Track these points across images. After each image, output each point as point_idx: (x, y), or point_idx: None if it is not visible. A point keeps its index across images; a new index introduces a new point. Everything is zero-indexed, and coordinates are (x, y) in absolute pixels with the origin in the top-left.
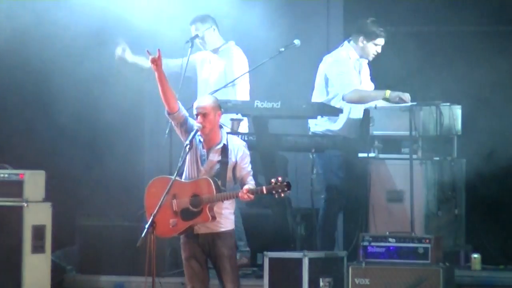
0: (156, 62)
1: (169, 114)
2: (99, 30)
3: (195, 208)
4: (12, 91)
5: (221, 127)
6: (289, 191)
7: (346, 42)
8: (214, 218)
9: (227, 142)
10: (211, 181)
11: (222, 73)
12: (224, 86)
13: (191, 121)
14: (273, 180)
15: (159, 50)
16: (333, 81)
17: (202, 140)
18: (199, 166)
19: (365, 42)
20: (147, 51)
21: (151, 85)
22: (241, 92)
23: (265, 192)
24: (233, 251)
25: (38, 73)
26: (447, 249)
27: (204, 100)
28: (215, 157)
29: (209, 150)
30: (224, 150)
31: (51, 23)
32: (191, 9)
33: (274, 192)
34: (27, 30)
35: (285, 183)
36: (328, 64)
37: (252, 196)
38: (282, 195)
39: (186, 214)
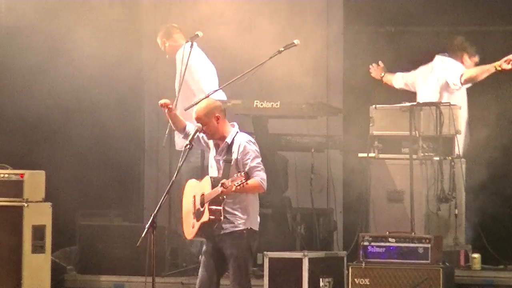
0: (167, 106)
1: (183, 137)
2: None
3: (202, 207)
4: (12, 91)
5: (233, 125)
6: (247, 180)
7: (444, 57)
8: (217, 216)
9: (232, 140)
10: (210, 179)
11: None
12: (224, 86)
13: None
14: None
15: (167, 103)
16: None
17: (213, 141)
18: (214, 166)
19: (469, 59)
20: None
21: (151, 85)
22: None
23: (229, 183)
24: (243, 252)
25: (39, 74)
26: (447, 249)
27: (197, 109)
28: (221, 156)
29: (217, 150)
30: (228, 148)
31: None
32: (193, 12)
33: (236, 183)
34: (26, 31)
35: (242, 174)
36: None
37: (225, 190)
38: (242, 185)
39: (198, 214)
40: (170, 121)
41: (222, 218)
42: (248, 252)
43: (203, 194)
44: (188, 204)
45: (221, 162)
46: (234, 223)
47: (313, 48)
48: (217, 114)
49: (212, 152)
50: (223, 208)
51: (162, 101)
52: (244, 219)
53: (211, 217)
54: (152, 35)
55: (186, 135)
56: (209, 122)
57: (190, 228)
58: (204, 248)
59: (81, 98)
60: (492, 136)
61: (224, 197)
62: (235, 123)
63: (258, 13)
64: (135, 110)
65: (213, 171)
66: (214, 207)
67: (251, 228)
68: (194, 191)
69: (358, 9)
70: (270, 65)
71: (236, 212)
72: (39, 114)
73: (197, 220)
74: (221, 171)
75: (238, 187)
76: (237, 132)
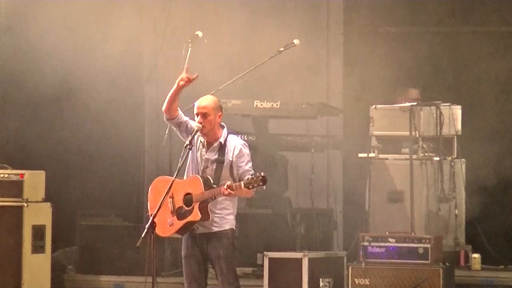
0: (189, 81)
1: (168, 119)
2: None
3: (188, 206)
4: (13, 91)
5: (223, 127)
6: (265, 184)
7: None
8: (205, 216)
9: (225, 141)
10: (201, 179)
11: None
12: (224, 86)
13: (192, 122)
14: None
15: (197, 75)
16: None
17: (202, 139)
18: (198, 165)
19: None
20: (186, 68)
21: (151, 85)
22: None
23: (242, 186)
24: (230, 252)
25: (38, 73)
26: (447, 249)
27: (204, 101)
28: (212, 155)
29: (208, 149)
30: (221, 148)
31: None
32: (192, 12)
33: (250, 186)
34: (23, 31)
35: (260, 177)
36: None
37: (232, 192)
38: (259, 188)
39: (180, 213)
40: (170, 95)
41: (210, 216)
42: (233, 251)
43: (188, 193)
44: (158, 200)
45: (210, 161)
46: (219, 223)
47: (313, 48)
48: (220, 112)
49: (200, 150)
50: (210, 208)
51: (187, 76)
52: (229, 220)
53: (202, 216)
54: (152, 34)
55: (176, 123)
56: (214, 115)
57: (165, 226)
58: (184, 252)
59: (81, 98)
60: (492, 137)
61: (213, 197)
62: (223, 124)
63: (258, 13)
64: (135, 110)
65: (195, 169)
66: (203, 207)
67: (232, 227)
68: (173, 189)
69: (358, 9)
70: (270, 65)
71: (222, 213)
72: (38, 114)
73: (180, 219)
74: (207, 169)
75: (253, 189)
76: (228, 133)
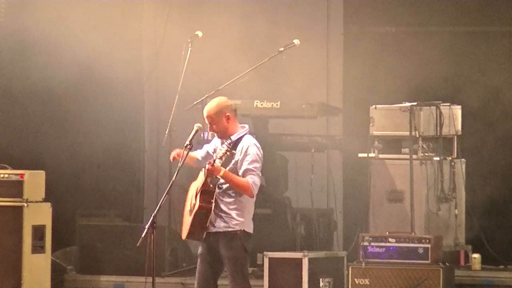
0: (175, 159)
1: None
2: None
3: (195, 200)
4: (14, 90)
5: (243, 127)
6: (229, 151)
7: None
8: (206, 204)
9: (237, 139)
10: (203, 169)
11: None
12: (224, 86)
13: (205, 146)
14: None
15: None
16: None
17: (220, 141)
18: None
19: None
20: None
21: (151, 85)
22: None
23: (216, 159)
24: (238, 252)
25: (39, 73)
26: (447, 249)
27: (207, 108)
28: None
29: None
30: (233, 147)
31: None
32: (192, 12)
33: (218, 156)
34: (23, 32)
35: (228, 143)
36: None
37: (210, 168)
38: (229, 153)
39: (192, 209)
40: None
41: (212, 207)
42: (243, 252)
43: (197, 188)
44: (188, 205)
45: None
46: (228, 223)
47: (313, 48)
48: (227, 113)
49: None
50: (216, 203)
51: (173, 155)
52: (239, 221)
53: (201, 204)
54: (152, 35)
55: (202, 162)
56: (219, 121)
57: (186, 226)
58: (199, 250)
59: (81, 99)
60: (492, 136)
61: (216, 189)
62: (246, 125)
63: (258, 13)
64: (135, 110)
65: None
66: (205, 196)
67: (245, 230)
68: (193, 191)
69: (358, 9)
70: (270, 65)
71: (231, 213)
72: (38, 114)
73: (190, 215)
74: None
75: (223, 155)
76: (246, 133)
